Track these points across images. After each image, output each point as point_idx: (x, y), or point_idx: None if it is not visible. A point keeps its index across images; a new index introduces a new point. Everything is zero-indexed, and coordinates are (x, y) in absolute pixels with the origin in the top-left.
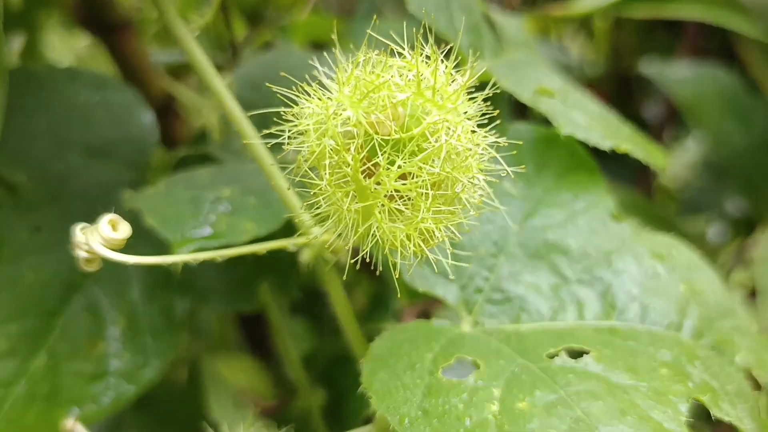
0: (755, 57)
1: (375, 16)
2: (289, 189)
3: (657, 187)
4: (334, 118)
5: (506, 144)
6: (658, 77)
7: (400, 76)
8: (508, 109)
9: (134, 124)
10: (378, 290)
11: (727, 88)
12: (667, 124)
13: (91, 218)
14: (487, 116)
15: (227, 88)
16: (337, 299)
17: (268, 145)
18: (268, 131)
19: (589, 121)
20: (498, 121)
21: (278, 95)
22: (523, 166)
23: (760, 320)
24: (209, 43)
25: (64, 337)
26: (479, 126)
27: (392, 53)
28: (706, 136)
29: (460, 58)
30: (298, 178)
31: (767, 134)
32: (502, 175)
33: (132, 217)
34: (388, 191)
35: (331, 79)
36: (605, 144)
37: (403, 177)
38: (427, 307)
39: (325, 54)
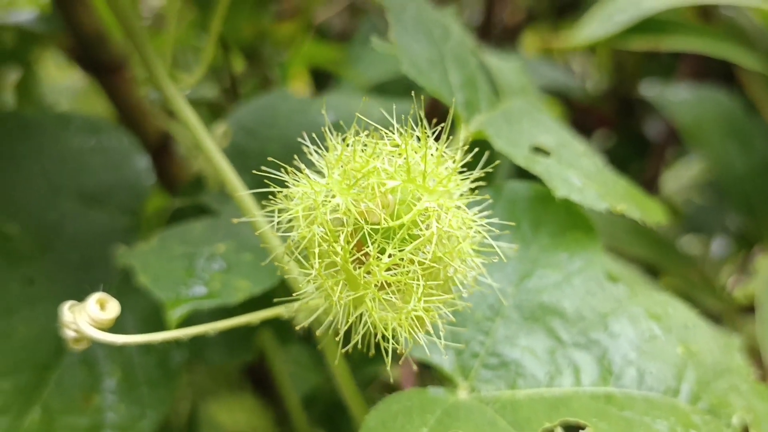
0: (755, 81)
1: (365, 98)
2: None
3: (661, 202)
4: (323, 205)
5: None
6: (659, 100)
7: (389, 161)
8: None
9: (129, 169)
10: None
11: (727, 111)
12: (669, 141)
13: (85, 267)
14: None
15: (219, 148)
16: (331, 359)
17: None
18: (265, 211)
19: (585, 180)
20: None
21: (274, 143)
22: (515, 246)
23: (759, 333)
24: (210, 77)
25: (59, 390)
26: (472, 189)
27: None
28: (706, 159)
29: (452, 124)
30: (290, 260)
31: (767, 158)
32: (498, 233)
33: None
34: (378, 281)
35: (320, 155)
36: (600, 205)
37: (394, 264)
38: None
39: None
